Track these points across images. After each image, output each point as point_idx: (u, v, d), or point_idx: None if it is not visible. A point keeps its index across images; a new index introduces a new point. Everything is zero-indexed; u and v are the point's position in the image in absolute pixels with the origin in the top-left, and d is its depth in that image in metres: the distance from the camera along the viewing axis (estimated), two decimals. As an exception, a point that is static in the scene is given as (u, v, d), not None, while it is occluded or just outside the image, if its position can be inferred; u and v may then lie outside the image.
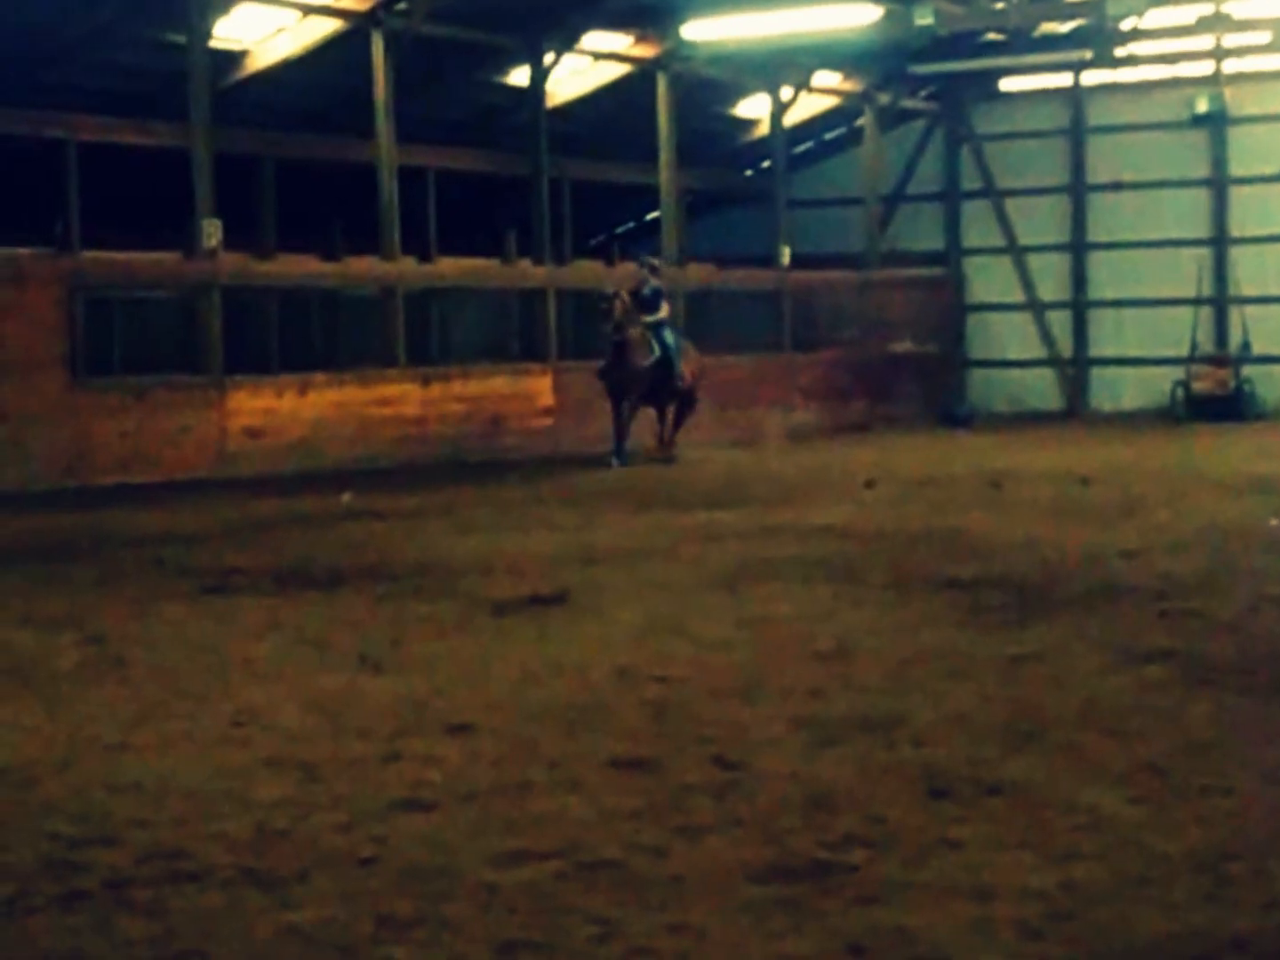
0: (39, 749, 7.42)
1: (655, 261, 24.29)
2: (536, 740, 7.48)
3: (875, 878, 5.65)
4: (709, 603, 11.12)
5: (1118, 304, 32.92)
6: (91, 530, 15.45)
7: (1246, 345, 30.91)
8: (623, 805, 6.47)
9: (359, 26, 24.30)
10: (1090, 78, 33.10)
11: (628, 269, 23.99)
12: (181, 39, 22.31)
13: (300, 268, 24.63)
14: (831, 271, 31.80)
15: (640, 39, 28.35)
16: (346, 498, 18.18)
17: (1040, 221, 33.47)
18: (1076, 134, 33.36)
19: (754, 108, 32.99)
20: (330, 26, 24.80)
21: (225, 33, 24.30)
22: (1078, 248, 33.40)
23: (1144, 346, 32.41)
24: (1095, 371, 33.49)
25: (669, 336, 23.23)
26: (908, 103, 33.81)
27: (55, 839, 6.13)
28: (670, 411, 23.89)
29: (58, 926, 5.29)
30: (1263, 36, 30.57)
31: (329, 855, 5.93)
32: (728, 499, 17.72)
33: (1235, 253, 31.95)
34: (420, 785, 6.77)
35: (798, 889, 5.53)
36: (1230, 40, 31.41)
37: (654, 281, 23.25)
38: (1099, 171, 33.07)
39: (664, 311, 23.32)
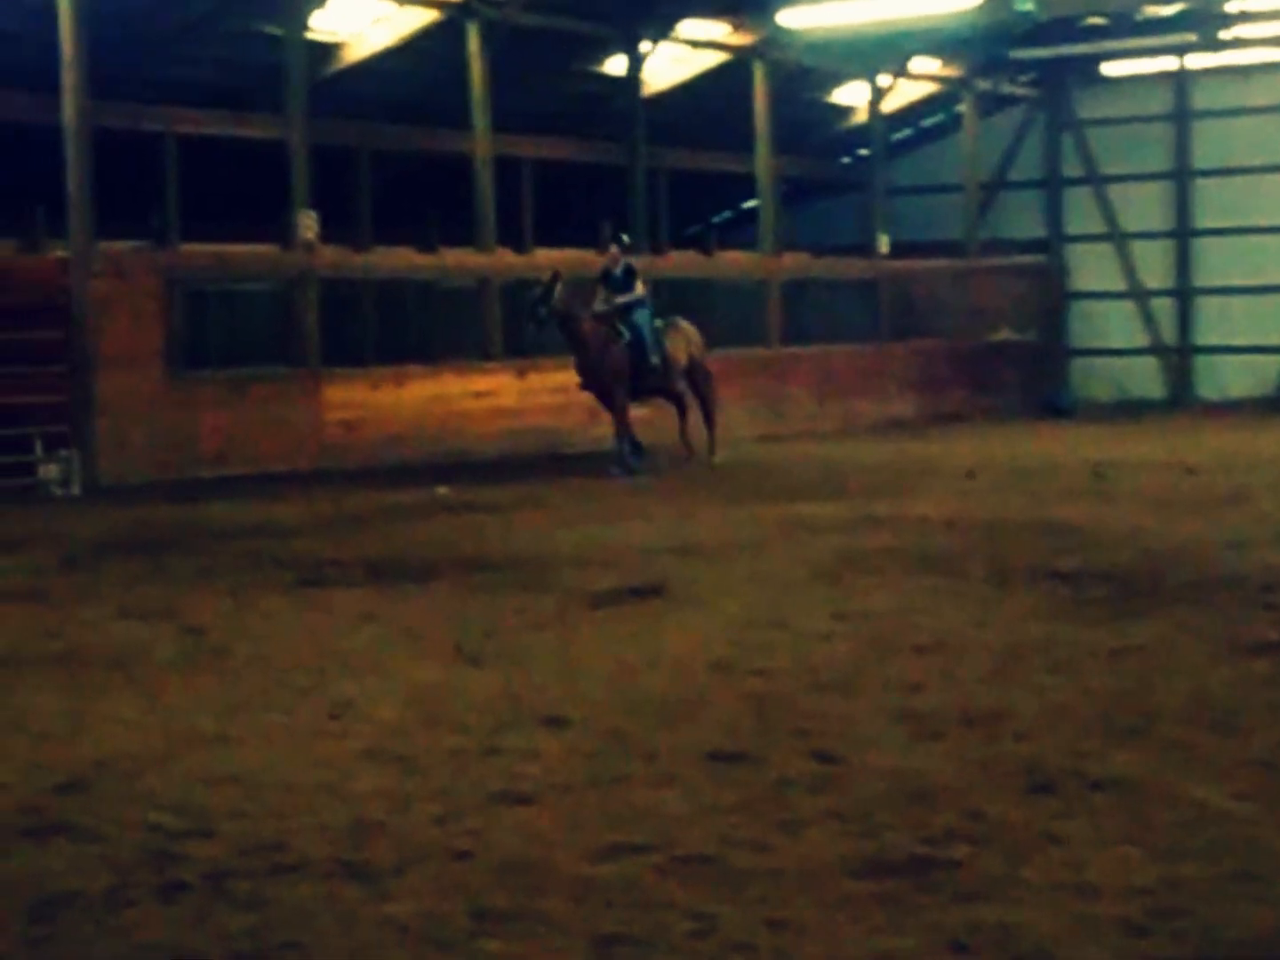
0: (138, 741, 7.45)
1: (626, 238, 22.01)
2: (633, 733, 7.43)
3: (976, 874, 5.58)
4: (807, 595, 11.05)
5: (1223, 291, 32.52)
6: (189, 523, 15.55)
7: None
8: (721, 799, 6.42)
9: (454, 17, 24.35)
10: (1195, 61, 32.68)
11: (611, 254, 21.11)
12: (279, 31, 22.44)
13: (396, 259, 24.70)
14: (930, 260, 31.59)
15: (737, 27, 28.25)
16: (442, 490, 18.21)
17: (1144, 208, 33.10)
18: (1181, 119, 32.97)
19: (852, 95, 32.82)
20: (426, 17, 24.86)
21: (322, 25, 24.42)
22: (1182, 234, 33.03)
23: (1250, 334, 32.01)
24: (1200, 359, 33.10)
25: (642, 318, 20.94)
26: (1008, 88, 33.52)
27: (155, 830, 6.15)
28: (688, 405, 21.78)
29: (157, 918, 5.30)
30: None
31: (426, 848, 5.91)
32: (825, 490, 17.62)
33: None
34: (517, 778, 6.75)
35: (898, 885, 5.47)
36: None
37: (625, 260, 21.06)
38: (1204, 157, 32.66)
39: (638, 290, 20.95)
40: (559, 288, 20.07)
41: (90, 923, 5.25)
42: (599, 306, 20.47)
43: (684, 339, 21.45)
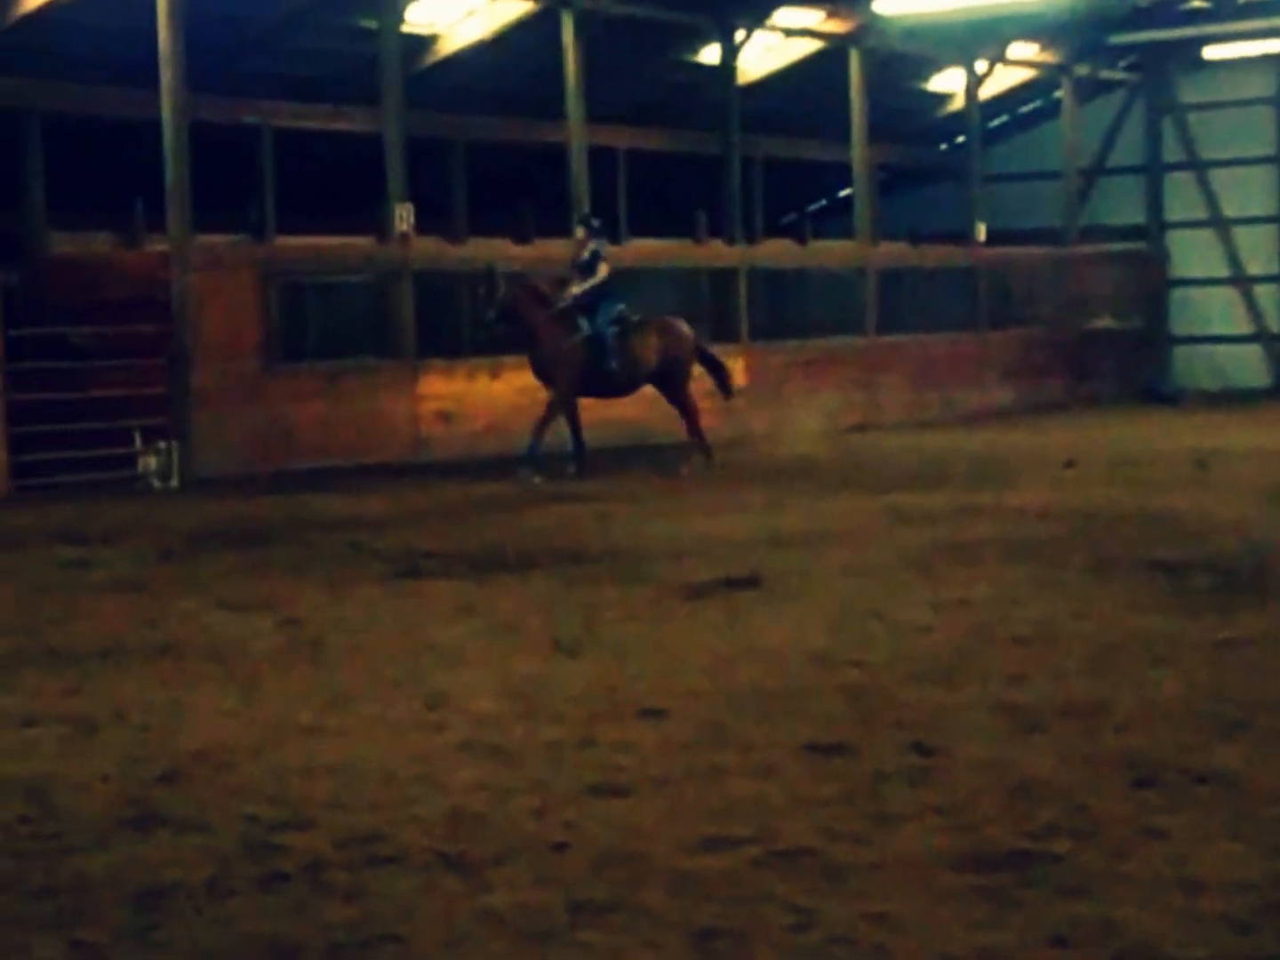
0: (237, 732, 7.49)
1: (596, 221, 20.52)
2: (731, 725, 7.40)
3: (1078, 868, 5.51)
4: (905, 586, 10.98)
5: (1328, 277, 32.10)
6: (287, 514, 15.65)
7: None
8: (819, 792, 6.38)
9: (549, 8, 24.37)
10: (1298, 44, 32.24)
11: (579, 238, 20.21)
12: (374, 24, 22.52)
13: (492, 251, 24.73)
14: (1028, 247, 31.33)
15: (832, 14, 28.11)
16: (538, 480, 18.24)
17: (1245, 192, 32.69)
18: (1283, 102, 32.55)
19: (948, 81, 32.61)
20: (520, 9, 24.91)
21: (417, 17, 24.50)
22: (1285, 219, 32.62)
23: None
24: (1305, 347, 32.69)
25: (605, 315, 19.56)
26: (1107, 73, 33.20)
27: (253, 822, 6.18)
28: (686, 404, 20.25)
29: (257, 908, 5.32)
30: None
31: (524, 840, 5.90)
32: (922, 480, 17.52)
33: None
34: (614, 770, 6.73)
35: (998, 879, 5.41)
36: None
37: (593, 244, 19.79)
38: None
39: (599, 275, 19.56)
40: (501, 284, 19.33)
41: (192, 913, 5.28)
42: (559, 304, 19.43)
43: (657, 340, 20.00)
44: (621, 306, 19.74)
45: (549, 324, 19.28)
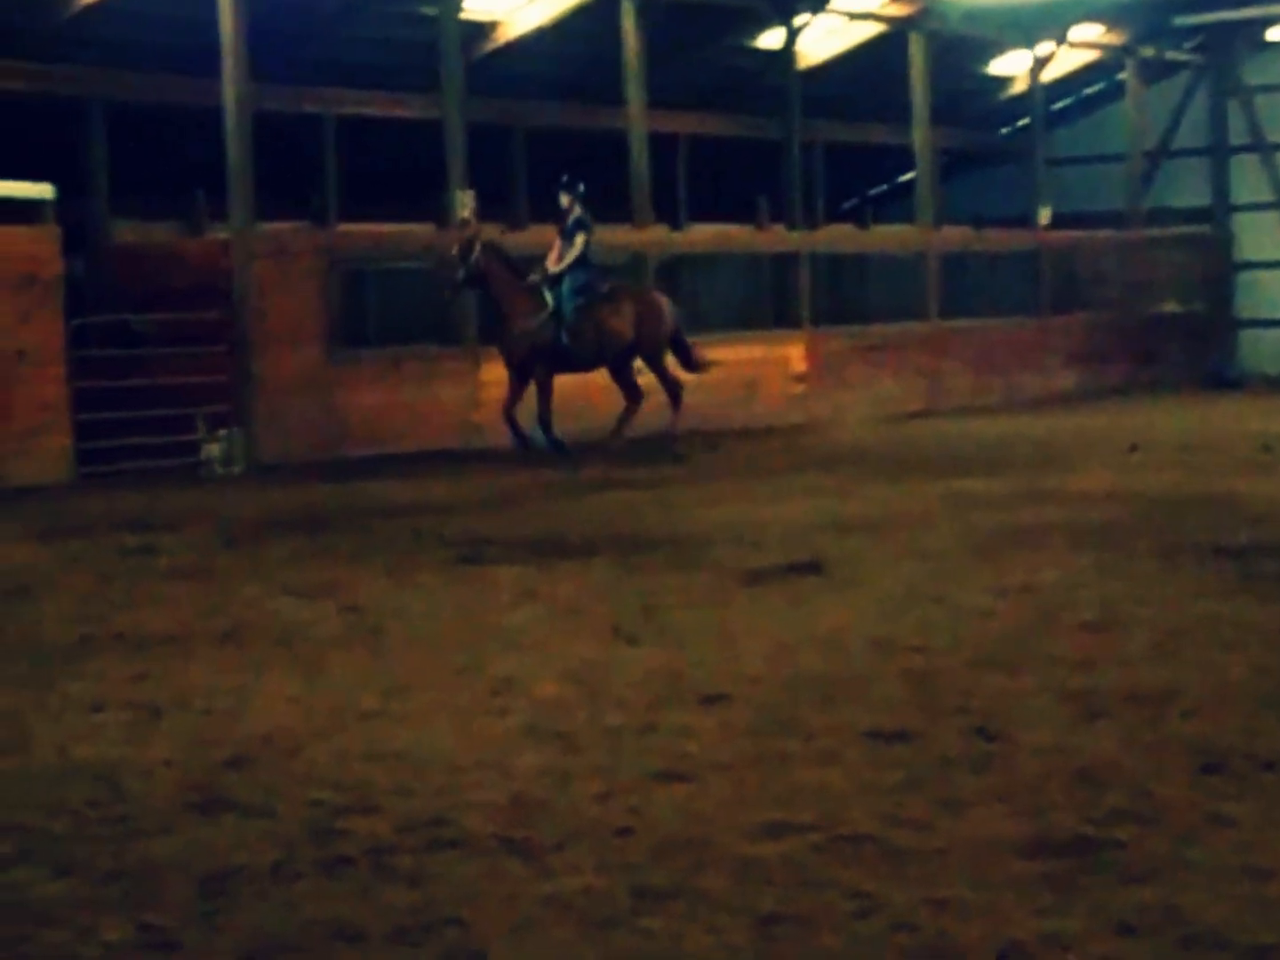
0: (301, 717, 7.52)
1: (581, 186, 19.03)
2: (793, 711, 7.39)
3: (1144, 855, 5.48)
4: (968, 571, 10.93)
5: (1396, 260, 31.77)
6: (349, 500, 15.71)
7: None
8: (882, 778, 6.37)
9: (609, -6, 24.34)
10: (1364, 24, 31.92)
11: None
12: (434, 11, 22.55)
13: (552, 237, 24.73)
14: (1092, 231, 31.13)
15: (893, -3, 28.01)
16: (599, 467, 18.24)
17: (1312, 175, 32.38)
18: (1351, 83, 32.24)
19: (1011, 64, 32.43)
20: (583, -7, 24.90)
21: (476, 4, 24.53)
22: (1352, 202, 32.30)
23: None
24: (1374, 331, 32.38)
25: (568, 283, 18.58)
26: (1172, 55, 32.92)
27: (318, 806, 6.21)
28: (668, 379, 19.59)
29: (321, 892, 5.34)
30: None
31: (586, 825, 5.91)
32: (985, 465, 17.44)
33: None
34: (676, 756, 6.73)
35: (1063, 865, 5.39)
36: None
37: (577, 211, 18.75)
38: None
39: (576, 248, 18.58)
40: (479, 247, 18.46)
41: (257, 896, 5.31)
42: (534, 276, 18.63)
43: (632, 311, 19.08)
44: (589, 278, 18.82)
45: (519, 296, 18.55)
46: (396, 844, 5.76)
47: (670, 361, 19.72)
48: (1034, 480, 15.77)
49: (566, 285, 18.52)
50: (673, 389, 19.50)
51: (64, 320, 18.12)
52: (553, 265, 18.66)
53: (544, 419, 18.47)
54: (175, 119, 23.19)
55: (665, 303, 19.49)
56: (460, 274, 18.49)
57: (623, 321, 18.96)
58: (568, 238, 18.58)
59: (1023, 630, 9.03)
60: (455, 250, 18.40)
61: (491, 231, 22.94)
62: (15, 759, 6.97)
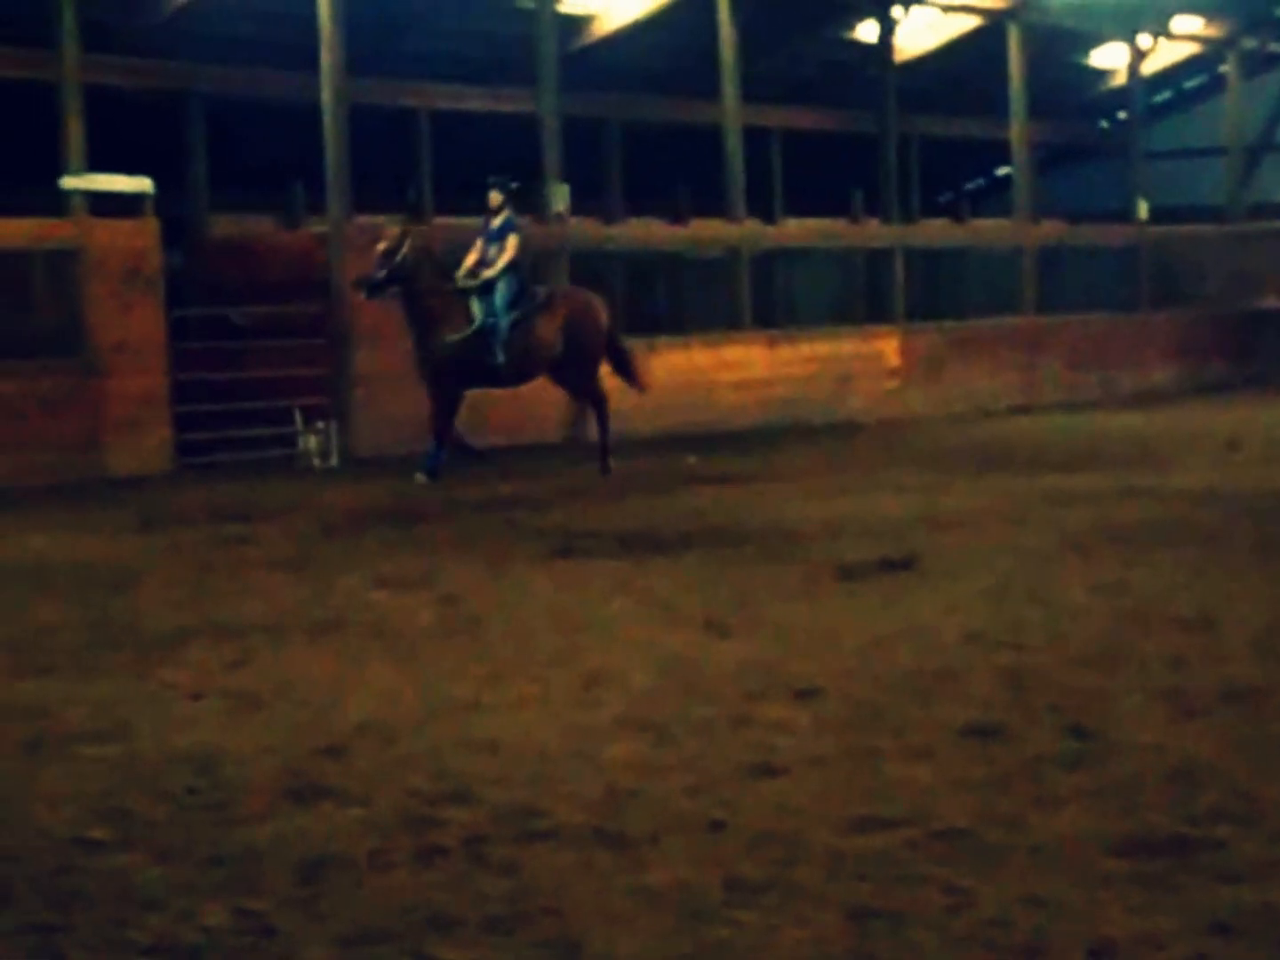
0: (397, 707, 7.58)
1: (514, 183, 17.10)
2: (886, 706, 7.38)
3: (1241, 854, 5.44)
4: (1063, 568, 10.87)
5: None
6: (444, 493, 15.78)
7: None
8: (975, 774, 6.35)
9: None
10: None
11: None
12: (531, 4, 22.63)
13: (647, 232, 24.82)
14: (1192, 225, 30.82)
15: (991, -10, 27.87)
16: (692, 461, 18.26)
17: None
18: None
19: (1110, 57, 32.19)
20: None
21: (573, -3, 24.62)
22: None
23: None
24: None
25: (501, 294, 16.55)
26: (1274, 47, 32.57)
27: (413, 795, 6.26)
28: (596, 396, 17.64)
29: (417, 881, 5.39)
30: None
31: (679, 818, 5.93)
32: (1081, 461, 17.33)
33: None
34: (769, 750, 6.74)
35: (1158, 864, 5.36)
36: None
37: (507, 212, 16.72)
38: None
39: (509, 252, 16.55)
40: (408, 246, 16.24)
41: (353, 884, 5.36)
42: (463, 281, 16.53)
43: (564, 320, 17.04)
44: (521, 285, 16.81)
45: (447, 303, 16.44)
46: (491, 834, 5.80)
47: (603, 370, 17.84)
48: (1130, 477, 15.65)
49: (500, 297, 16.50)
50: (600, 404, 17.50)
51: (164, 313, 18.32)
52: (470, 270, 16.63)
53: (441, 435, 16.50)
54: (273, 113, 23.40)
55: (601, 307, 17.48)
56: (381, 273, 16.16)
57: (552, 332, 16.90)
58: (494, 240, 16.59)
59: (1118, 628, 8.97)
60: (382, 246, 16.18)
61: (586, 225, 23.02)
62: (116, 746, 7.07)
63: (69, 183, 18.61)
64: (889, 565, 10.94)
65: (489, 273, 16.46)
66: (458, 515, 14.23)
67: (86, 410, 17.57)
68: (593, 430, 17.97)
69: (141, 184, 18.39)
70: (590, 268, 22.89)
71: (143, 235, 18.16)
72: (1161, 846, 5.51)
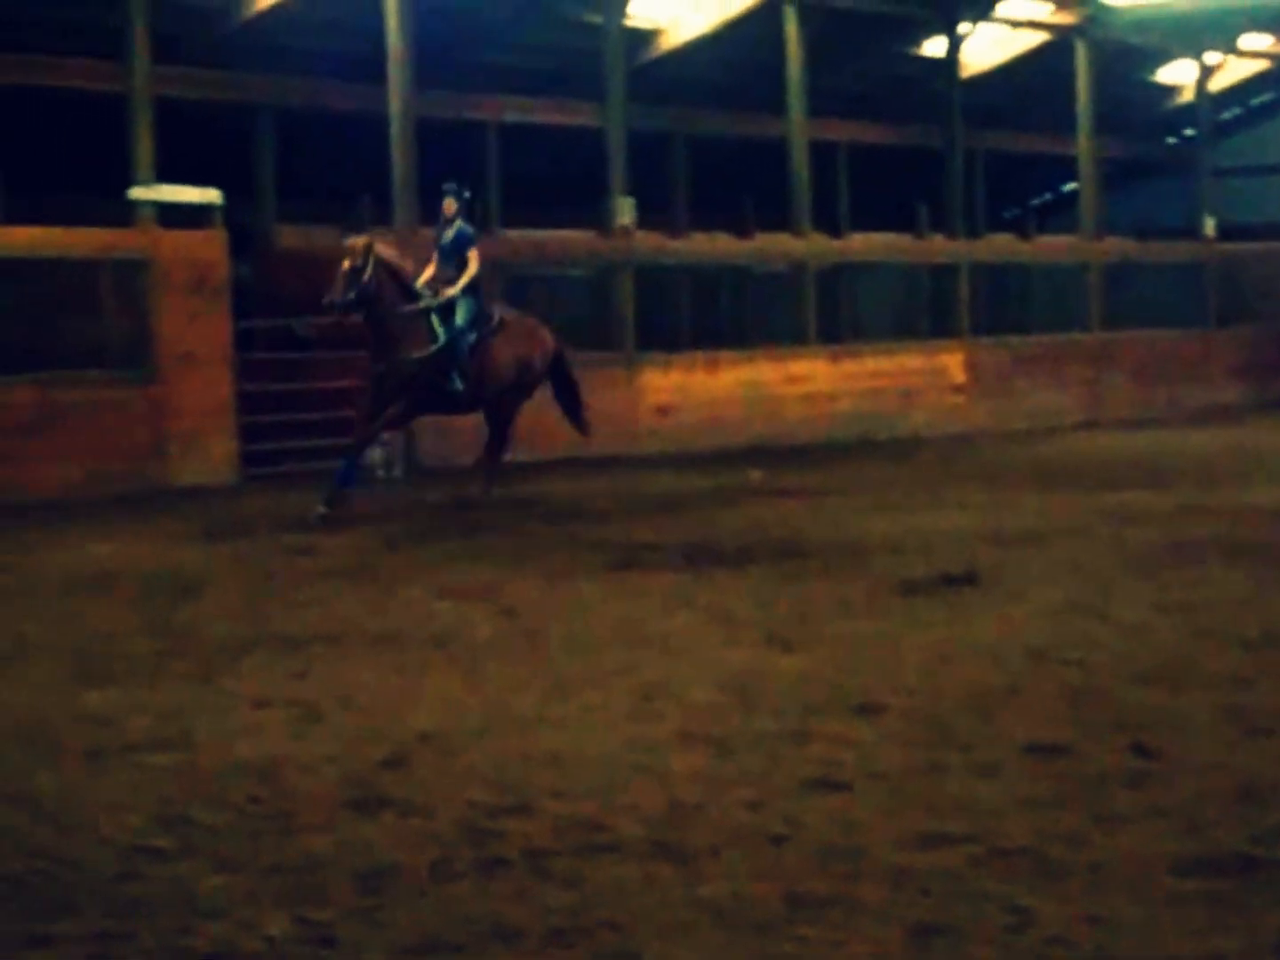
0: (458, 718, 7.59)
1: (467, 193, 15.70)
2: (948, 722, 7.35)
3: (1307, 876, 5.39)
4: (1127, 585, 10.80)
5: None
6: (506, 505, 15.80)
7: None
8: (1038, 791, 6.31)
9: (772, 1, 24.35)
10: None
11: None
12: (598, 19, 22.67)
13: (712, 246, 24.81)
14: (1261, 242, 30.60)
15: (1059, 5, 27.78)
16: (755, 475, 18.24)
17: None
18: None
19: (1177, 73, 32.01)
20: (744, 2, 24.96)
21: (640, 11, 24.63)
22: None
23: None
24: None
25: (463, 314, 15.27)
26: (1343, 64, 32.38)
27: (474, 807, 6.26)
28: (510, 424, 16.32)
29: (478, 892, 5.39)
30: None
31: (740, 831, 5.92)
32: (1149, 478, 17.22)
33: None
34: (831, 764, 6.71)
35: (1223, 884, 5.31)
36: None
37: (459, 223, 15.42)
38: None
39: (472, 269, 15.29)
40: (373, 263, 14.75)
41: (415, 894, 5.37)
42: (428, 300, 15.14)
43: (520, 346, 15.91)
44: (479, 306, 15.58)
45: (408, 322, 15.05)
46: (552, 846, 5.80)
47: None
48: (1196, 495, 15.54)
49: (461, 316, 15.27)
50: (509, 427, 16.30)
51: (230, 324, 18.42)
52: (428, 284, 15.31)
53: (362, 444, 15.35)
54: (341, 125, 23.53)
55: (550, 336, 16.38)
56: (351, 294, 14.63)
57: (507, 358, 15.74)
58: (451, 253, 15.34)
59: (1182, 646, 8.90)
60: (347, 265, 14.64)
61: (651, 238, 23.01)
62: (179, 754, 7.10)
63: (138, 194, 18.75)
64: (952, 581, 10.89)
65: (451, 291, 15.19)
66: (520, 527, 14.25)
67: (152, 420, 17.69)
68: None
69: (209, 195, 18.51)
70: (655, 280, 22.94)
71: (210, 246, 18.28)
72: (1225, 866, 5.46)
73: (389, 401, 14.98)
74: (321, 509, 14.36)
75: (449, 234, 15.40)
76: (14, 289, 17.82)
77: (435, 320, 15.11)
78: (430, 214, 20.51)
